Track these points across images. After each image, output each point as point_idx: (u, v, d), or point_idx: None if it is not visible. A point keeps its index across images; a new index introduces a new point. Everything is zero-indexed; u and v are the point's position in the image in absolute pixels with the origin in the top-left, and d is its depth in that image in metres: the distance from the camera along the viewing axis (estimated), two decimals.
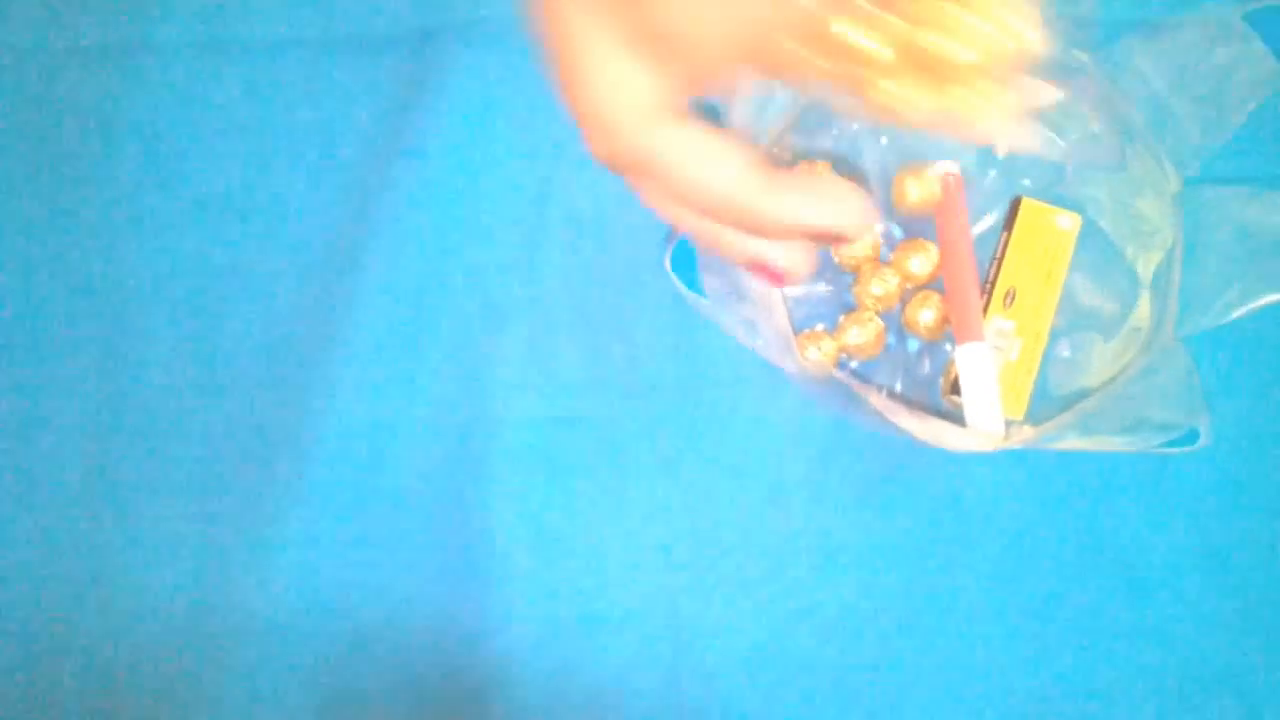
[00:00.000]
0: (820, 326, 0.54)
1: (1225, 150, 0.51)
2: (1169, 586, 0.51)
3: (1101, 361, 0.52)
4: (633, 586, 0.52)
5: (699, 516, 0.53)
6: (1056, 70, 0.53)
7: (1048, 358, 0.52)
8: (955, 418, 0.51)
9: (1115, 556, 0.52)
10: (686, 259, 0.48)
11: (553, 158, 0.56)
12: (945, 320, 0.53)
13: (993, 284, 0.53)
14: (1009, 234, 0.53)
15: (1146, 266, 0.52)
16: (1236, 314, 0.49)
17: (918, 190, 0.53)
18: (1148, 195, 0.52)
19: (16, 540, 0.53)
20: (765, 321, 0.48)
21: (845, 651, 0.51)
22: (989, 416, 0.50)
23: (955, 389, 0.51)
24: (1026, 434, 0.49)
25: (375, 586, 0.52)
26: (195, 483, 0.54)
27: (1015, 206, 0.53)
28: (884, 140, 0.55)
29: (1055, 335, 0.53)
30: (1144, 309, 0.52)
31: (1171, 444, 0.45)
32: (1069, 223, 0.53)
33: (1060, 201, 0.53)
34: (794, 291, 0.54)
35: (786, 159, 0.55)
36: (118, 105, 0.58)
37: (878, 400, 0.46)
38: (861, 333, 0.53)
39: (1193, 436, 0.45)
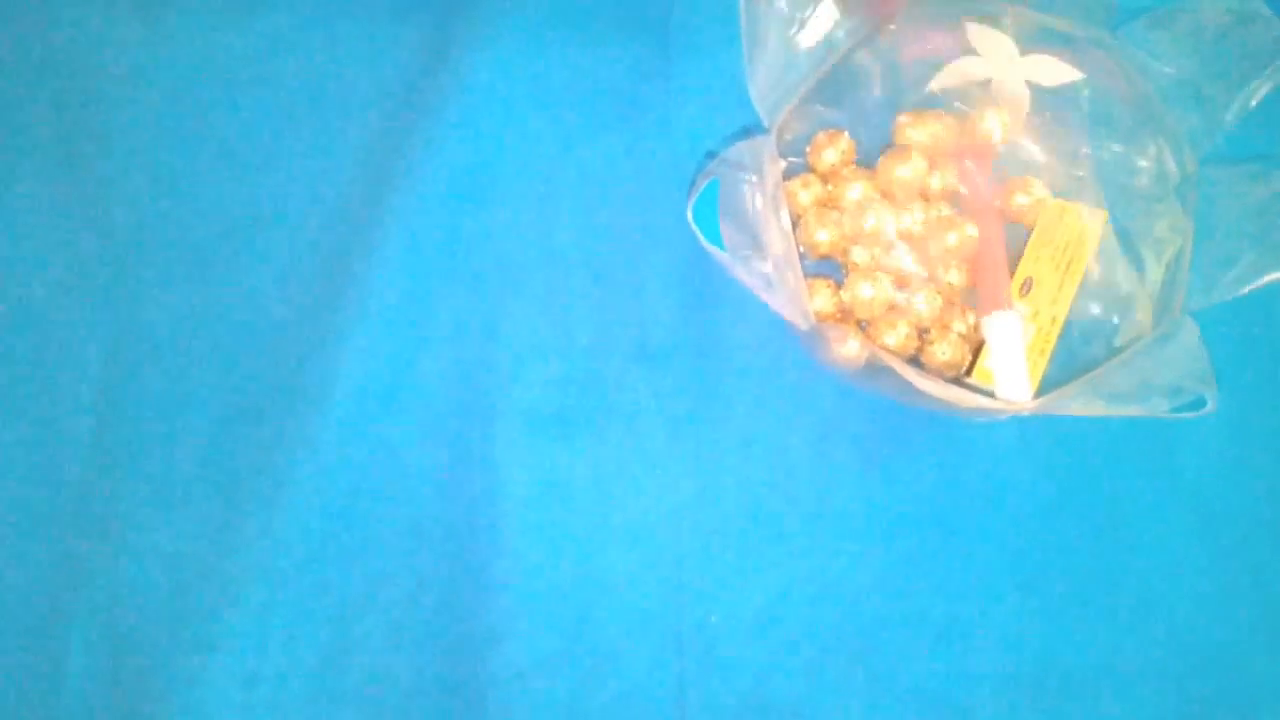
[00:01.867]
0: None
1: (1239, 129, 0.52)
2: (1172, 560, 0.52)
3: (1113, 333, 0.53)
4: (637, 547, 0.52)
5: (705, 480, 0.53)
6: (1077, 48, 0.54)
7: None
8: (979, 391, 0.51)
9: (1118, 528, 0.52)
10: (707, 212, 0.49)
11: (571, 117, 0.57)
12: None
13: (1011, 273, 0.53)
14: (1031, 229, 0.54)
15: (1161, 245, 0.53)
16: (1245, 289, 0.49)
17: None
18: (1165, 181, 0.53)
19: (29, 485, 0.53)
20: (781, 279, 0.48)
21: (846, 617, 0.52)
22: (1017, 384, 0.50)
23: (971, 370, 0.52)
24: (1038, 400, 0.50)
25: (384, 536, 0.52)
26: (209, 430, 0.54)
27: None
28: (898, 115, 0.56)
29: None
30: (1156, 284, 0.52)
31: (1179, 410, 0.46)
32: (1093, 218, 0.53)
33: (1081, 189, 0.54)
34: None
35: (805, 127, 0.56)
36: (143, 55, 0.58)
37: (893, 360, 0.47)
38: (871, 288, 0.53)
39: (1200, 403, 0.46)
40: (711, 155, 0.54)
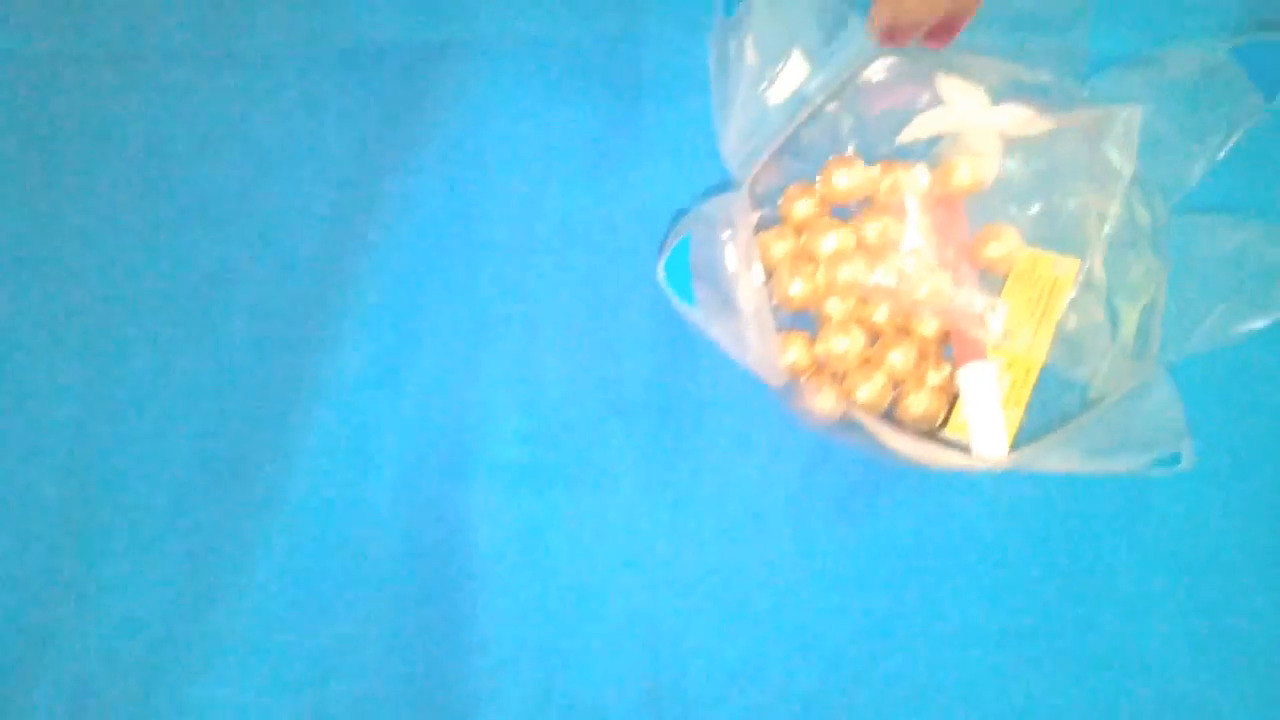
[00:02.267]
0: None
1: (1209, 179, 0.52)
2: (1150, 612, 0.52)
3: (1087, 384, 0.53)
4: (613, 605, 0.52)
5: (681, 536, 0.53)
6: (1048, 98, 0.54)
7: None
8: (953, 446, 0.51)
9: (1094, 582, 0.52)
10: (680, 269, 0.49)
11: (542, 174, 0.57)
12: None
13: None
14: (1005, 278, 0.54)
15: (1134, 295, 0.53)
16: (1219, 339, 0.50)
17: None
18: (1137, 230, 0.53)
19: None
20: (753, 336, 0.48)
21: (825, 674, 0.51)
22: (993, 438, 0.50)
23: (946, 423, 0.52)
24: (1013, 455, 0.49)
25: (357, 599, 0.52)
26: (178, 493, 0.53)
27: None
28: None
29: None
30: (1129, 335, 0.52)
31: (1154, 467, 0.46)
32: (1066, 268, 0.53)
33: (1054, 238, 0.54)
34: None
35: (778, 179, 0.56)
36: (115, 112, 0.58)
37: (866, 418, 0.46)
38: (845, 341, 0.53)
39: (1175, 460, 0.46)
40: (683, 212, 0.54)
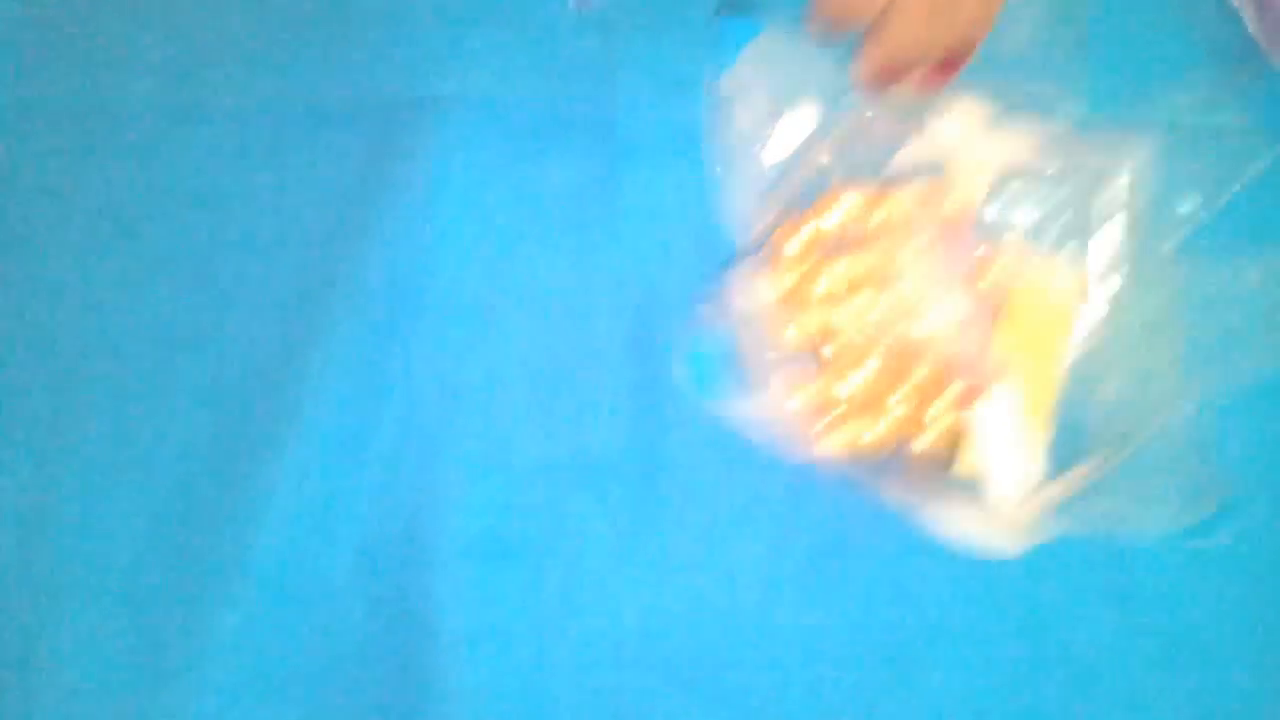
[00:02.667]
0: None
1: (1217, 221, 0.51)
2: (1134, 698, 0.50)
3: (1095, 431, 0.51)
4: (581, 682, 0.50)
5: (650, 610, 0.51)
6: (1048, 132, 0.53)
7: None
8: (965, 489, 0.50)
9: (1078, 665, 0.50)
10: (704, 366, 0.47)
11: (514, 236, 0.55)
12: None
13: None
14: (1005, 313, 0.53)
15: (1141, 335, 0.52)
16: (1230, 383, 0.49)
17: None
18: (1146, 269, 0.52)
19: None
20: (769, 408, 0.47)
21: None
22: (1005, 476, 0.49)
23: (953, 459, 0.51)
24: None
25: (314, 675, 0.50)
26: (129, 565, 0.51)
27: None
28: None
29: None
30: (1138, 376, 0.51)
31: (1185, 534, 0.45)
32: (1071, 303, 0.52)
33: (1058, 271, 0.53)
34: None
35: (773, 220, 0.54)
36: (75, 165, 0.57)
37: (864, 474, 0.46)
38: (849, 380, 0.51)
39: (1209, 528, 0.45)
40: (656, 280, 0.54)
